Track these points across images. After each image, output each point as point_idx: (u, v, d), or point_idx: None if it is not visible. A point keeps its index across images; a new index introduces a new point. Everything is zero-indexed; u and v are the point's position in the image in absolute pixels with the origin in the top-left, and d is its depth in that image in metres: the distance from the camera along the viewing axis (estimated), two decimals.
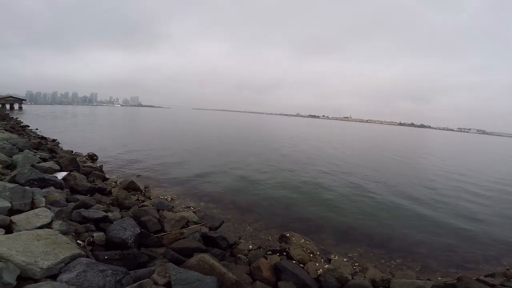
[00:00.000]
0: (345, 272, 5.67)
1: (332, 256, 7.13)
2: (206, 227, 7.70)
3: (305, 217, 10.13)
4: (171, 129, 45.36)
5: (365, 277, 5.85)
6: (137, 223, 5.69)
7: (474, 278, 5.78)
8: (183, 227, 7.20)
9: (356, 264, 6.84)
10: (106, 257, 4.01)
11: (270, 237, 8.17)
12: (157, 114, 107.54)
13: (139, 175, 13.74)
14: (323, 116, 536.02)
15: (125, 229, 4.96)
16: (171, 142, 27.67)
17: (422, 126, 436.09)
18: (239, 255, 6.18)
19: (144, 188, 11.51)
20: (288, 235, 7.49)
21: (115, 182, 11.45)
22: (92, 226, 5.13)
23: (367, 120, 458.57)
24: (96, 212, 5.75)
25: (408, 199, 13.27)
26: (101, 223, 5.43)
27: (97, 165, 14.11)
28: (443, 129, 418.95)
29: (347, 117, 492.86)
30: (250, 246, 6.86)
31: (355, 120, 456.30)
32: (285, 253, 6.44)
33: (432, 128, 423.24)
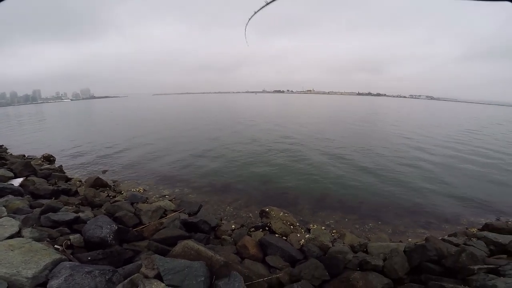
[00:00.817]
0: (325, 240, 6.00)
1: (311, 225, 7.52)
2: (185, 213, 7.66)
3: (280, 191, 10.44)
4: (130, 119, 42.29)
5: (344, 243, 6.22)
6: (112, 220, 5.53)
7: (440, 237, 6.45)
8: (161, 217, 7.08)
9: (334, 231, 7.25)
10: (89, 258, 3.84)
11: (251, 214, 8.34)
12: (112, 105, 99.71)
13: (105, 171, 13.06)
14: (288, 90, 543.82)
15: (101, 227, 4.80)
16: (132, 133, 25.95)
17: (378, 94, 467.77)
18: (223, 236, 6.27)
19: (113, 183, 11.01)
20: (267, 210, 7.72)
21: (80, 181, 10.78)
22: (66, 229, 4.86)
23: (328, 92, 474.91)
24: (66, 214, 5.43)
25: (372, 165, 14.10)
26: (74, 225, 5.15)
27: (56, 166, 13.15)
28: (397, 96, 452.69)
29: (310, 90, 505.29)
30: (233, 226, 6.96)
31: (318, 93, 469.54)
32: (267, 228, 6.66)
33: (387, 96, 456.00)
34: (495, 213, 9.02)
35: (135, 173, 12.80)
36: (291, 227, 6.84)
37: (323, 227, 7.42)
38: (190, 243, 4.75)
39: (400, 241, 6.52)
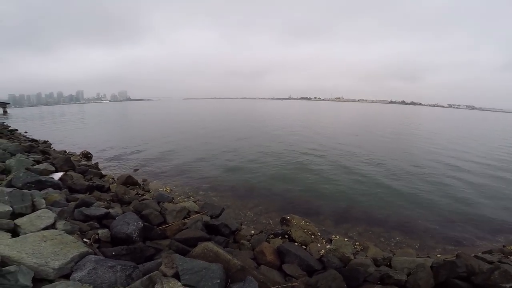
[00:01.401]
0: (347, 252, 5.84)
1: (333, 236, 7.33)
2: (207, 215, 7.79)
3: (303, 199, 10.32)
4: (162, 121, 44.45)
5: (366, 256, 6.01)
6: (139, 217, 5.73)
7: (472, 255, 6.00)
8: (185, 218, 7.27)
9: (357, 243, 7.01)
10: (113, 253, 4.08)
11: (271, 221, 8.34)
12: (146, 107, 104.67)
13: (136, 169, 13.74)
14: (315, 97, 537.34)
15: (128, 223, 5.02)
16: (164, 133, 27.33)
17: (413, 103, 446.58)
18: (242, 240, 6.32)
19: (143, 181, 11.53)
20: (288, 217, 7.64)
21: (113, 179, 11.44)
22: (96, 223, 5.17)
23: (358, 100, 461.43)
24: (98, 209, 5.77)
25: (403, 178, 13.50)
26: (104, 220, 5.45)
27: (93, 163, 14.04)
28: (434, 105, 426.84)
29: (339, 98, 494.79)
30: (252, 231, 6.99)
31: (347, 100, 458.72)
32: (287, 236, 6.60)
33: (422, 105, 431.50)
34: None
35: (164, 172, 13.34)
36: (312, 236, 6.71)
37: (345, 239, 7.22)
38: (210, 245, 4.84)
39: (428, 256, 6.22)
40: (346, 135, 28.86)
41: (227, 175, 13.05)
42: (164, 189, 10.68)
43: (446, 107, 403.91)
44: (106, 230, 4.86)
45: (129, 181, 10.34)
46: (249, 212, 9.00)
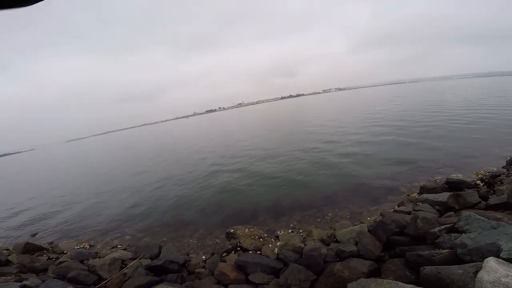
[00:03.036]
0: (296, 242, 6.13)
1: (278, 232, 7.57)
2: (145, 258, 6.96)
3: (237, 209, 10.31)
4: (40, 176, 33.35)
5: (313, 239, 6.43)
6: (67, 281, 5.08)
7: (392, 210, 7.13)
8: (121, 268, 6.36)
9: (300, 231, 7.41)
10: None
11: (217, 240, 8.05)
12: (13, 164, 78.69)
13: (34, 234, 11.14)
14: (220, 108, 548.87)
15: None
16: (47, 190, 21.91)
17: (298, 95, 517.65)
18: (197, 270, 5.86)
19: (49, 245, 9.48)
20: (232, 230, 7.54)
21: (7, 250, 8.97)
22: None
23: (257, 102, 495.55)
24: (7, 285, 4.82)
25: (307, 162, 15.11)
26: None
27: None
28: (313, 93, 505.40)
29: (240, 103, 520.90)
30: (203, 257, 6.56)
31: (248, 104, 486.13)
32: (239, 248, 6.48)
33: (305, 95, 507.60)
34: (422, 174, 10.50)
35: (72, 230, 11.16)
36: (261, 239, 6.79)
37: (289, 231, 7.58)
38: (164, 287, 4.37)
39: (361, 222, 7.01)
40: (251, 137, 30.05)
41: (149, 212, 11.81)
42: (82, 246, 8.99)
43: (321, 92, 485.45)
44: None
45: (30, 248, 8.46)
46: (191, 240, 8.43)
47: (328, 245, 5.84)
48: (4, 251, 8.75)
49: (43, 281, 5.07)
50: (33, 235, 11.02)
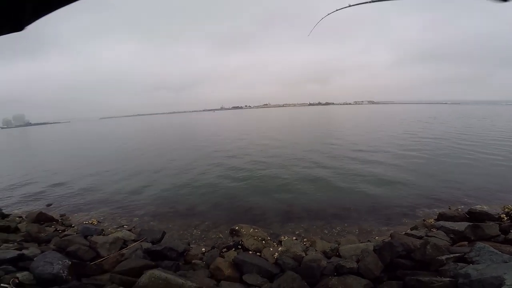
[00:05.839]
0: (298, 251, 5.99)
1: (282, 237, 7.40)
2: (147, 242, 7.08)
3: (247, 207, 10.22)
4: (71, 147, 37.07)
5: (316, 250, 6.24)
6: (65, 255, 5.13)
7: (403, 232, 6.78)
8: (121, 248, 6.51)
9: (304, 239, 7.22)
10: None
11: (221, 235, 7.98)
12: (51, 132, 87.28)
13: (50, 204, 11.63)
14: (246, 106, 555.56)
15: (52, 263, 4.46)
16: (75, 162, 23.18)
17: (327, 103, 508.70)
18: (193, 260, 5.84)
19: (60, 217, 9.86)
20: (237, 228, 7.51)
21: (20, 217, 9.47)
22: (10, 267, 4.41)
23: (283, 105, 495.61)
24: (7, 252, 4.95)
25: (327, 171, 14.72)
26: (20, 263, 4.69)
27: None
28: (343, 104, 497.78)
29: (266, 104, 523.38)
30: (203, 249, 6.55)
31: (274, 106, 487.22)
32: (240, 246, 6.40)
33: (334, 104, 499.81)
34: (443, 202, 9.87)
35: (86, 204, 11.56)
36: (263, 242, 6.69)
37: (294, 238, 7.38)
38: (156, 272, 4.42)
39: (368, 241, 6.72)
40: (278, 139, 29.64)
41: (163, 197, 11.97)
42: (90, 222, 9.28)
43: (352, 104, 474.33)
44: (27, 273, 4.26)
45: (42, 218, 8.82)
46: (195, 231, 8.43)
47: (329, 258, 5.64)
48: (17, 218, 9.29)
49: (42, 251, 5.26)
50: (48, 205, 11.51)
